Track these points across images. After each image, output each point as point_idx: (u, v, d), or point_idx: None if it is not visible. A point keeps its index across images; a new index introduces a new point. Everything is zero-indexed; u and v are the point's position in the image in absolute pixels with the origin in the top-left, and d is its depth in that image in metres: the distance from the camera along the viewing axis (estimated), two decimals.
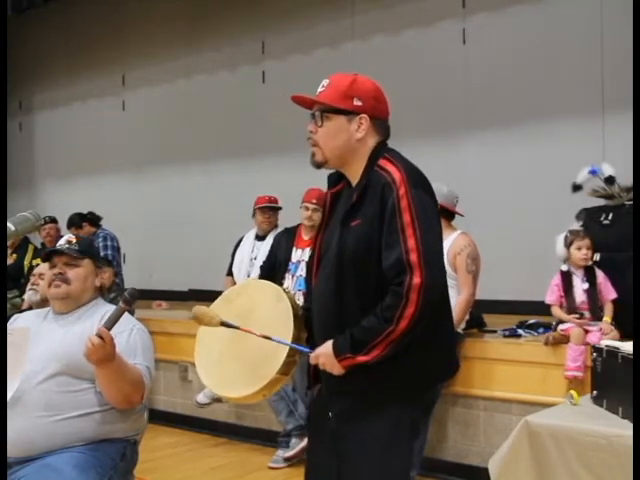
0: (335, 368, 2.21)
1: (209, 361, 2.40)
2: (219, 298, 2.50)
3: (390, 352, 2.15)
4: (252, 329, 2.26)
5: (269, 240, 5.61)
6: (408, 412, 2.27)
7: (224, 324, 2.30)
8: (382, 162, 2.27)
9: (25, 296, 3.74)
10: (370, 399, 2.24)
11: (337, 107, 2.28)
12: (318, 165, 2.36)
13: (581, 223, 4.35)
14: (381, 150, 2.32)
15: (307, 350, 2.29)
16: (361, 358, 2.16)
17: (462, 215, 4.53)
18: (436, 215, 2.30)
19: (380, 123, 2.35)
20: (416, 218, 2.15)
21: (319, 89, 2.35)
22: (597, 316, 4.06)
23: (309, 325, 2.37)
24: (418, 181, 2.24)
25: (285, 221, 5.52)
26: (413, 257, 2.12)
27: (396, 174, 2.21)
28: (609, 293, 4.10)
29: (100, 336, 2.45)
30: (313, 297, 2.40)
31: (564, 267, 4.16)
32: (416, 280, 2.11)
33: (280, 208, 5.74)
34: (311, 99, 2.34)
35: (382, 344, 2.14)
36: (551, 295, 4.19)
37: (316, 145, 2.33)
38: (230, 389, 2.37)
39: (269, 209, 5.68)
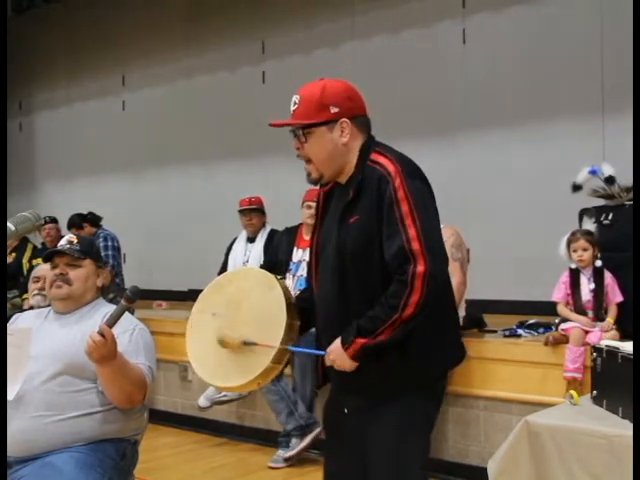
0: (346, 362, 2.22)
1: (201, 352, 2.39)
2: (210, 284, 2.49)
3: (395, 337, 2.17)
4: (271, 342, 2.25)
5: (259, 242, 5.64)
6: (422, 403, 2.30)
7: (247, 344, 2.28)
8: (374, 156, 2.28)
9: (32, 301, 3.74)
10: (382, 392, 2.26)
11: (317, 122, 2.28)
12: (315, 182, 2.38)
13: (593, 220, 4.33)
14: (371, 145, 2.33)
15: (323, 353, 2.30)
16: (362, 339, 2.18)
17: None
18: (433, 203, 2.32)
19: (360, 120, 2.34)
20: (414, 207, 2.17)
21: (292, 107, 2.33)
22: (600, 317, 4.05)
23: (302, 314, 2.37)
24: (412, 171, 2.26)
25: (285, 221, 5.52)
26: (415, 246, 2.14)
27: (390, 166, 2.23)
28: (615, 296, 4.08)
29: (102, 334, 2.45)
30: (316, 297, 2.41)
31: (573, 265, 4.14)
32: (420, 268, 2.13)
33: (261, 209, 5.75)
34: (288, 123, 2.34)
35: (387, 330, 2.16)
36: (558, 293, 4.18)
37: (309, 161, 2.33)
38: (224, 379, 2.36)
39: (250, 211, 5.71)
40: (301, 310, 2.37)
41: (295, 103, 2.32)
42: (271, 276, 2.41)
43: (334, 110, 2.28)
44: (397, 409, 2.26)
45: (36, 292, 3.75)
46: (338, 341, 2.24)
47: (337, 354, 2.23)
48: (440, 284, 2.21)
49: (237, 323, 2.31)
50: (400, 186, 2.19)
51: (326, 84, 2.32)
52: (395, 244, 2.17)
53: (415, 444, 2.30)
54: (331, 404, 2.52)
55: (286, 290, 2.35)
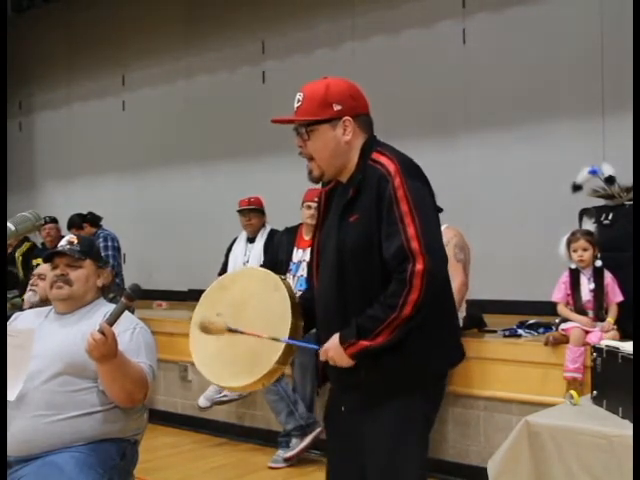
0: (344, 360, 2.23)
1: (206, 352, 2.39)
2: (212, 285, 2.48)
3: (395, 338, 2.17)
4: (260, 332, 2.26)
5: (259, 242, 5.64)
6: (420, 404, 2.30)
7: (231, 330, 2.29)
8: (375, 155, 2.29)
9: (25, 297, 3.75)
10: (380, 392, 2.26)
11: (320, 119, 2.29)
12: (316, 180, 2.39)
13: (593, 220, 4.33)
14: (372, 144, 2.34)
15: (316, 347, 2.30)
16: (365, 342, 2.18)
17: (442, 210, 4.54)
18: (432, 203, 2.32)
19: (363, 119, 2.36)
20: (414, 207, 2.18)
21: (295, 104, 2.34)
22: (600, 317, 4.05)
23: (305, 314, 2.38)
24: (412, 171, 2.27)
25: (285, 221, 5.53)
26: (414, 245, 2.15)
27: (390, 166, 2.24)
28: (615, 296, 4.08)
29: (102, 332, 2.45)
30: (316, 295, 2.41)
31: (572, 265, 4.14)
32: (419, 267, 2.13)
33: (260, 209, 5.75)
34: (292, 119, 2.35)
35: (386, 331, 2.17)
36: (558, 293, 4.18)
37: (311, 159, 2.34)
38: (229, 379, 2.37)
39: (249, 211, 5.72)
40: (304, 310, 2.37)
41: (299, 100, 2.33)
42: (276, 276, 2.40)
43: (337, 108, 2.29)
44: (394, 409, 2.26)
45: (29, 288, 3.75)
46: (336, 338, 2.24)
47: (336, 352, 2.23)
48: (439, 283, 2.21)
49: (242, 323, 2.31)
50: (400, 185, 2.20)
51: (330, 82, 2.33)
52: (394, 243, 2.17)
53: (412, 446, 2.29)
54: (331, 401, 2.52)
55: (290, 291, 2.35)
